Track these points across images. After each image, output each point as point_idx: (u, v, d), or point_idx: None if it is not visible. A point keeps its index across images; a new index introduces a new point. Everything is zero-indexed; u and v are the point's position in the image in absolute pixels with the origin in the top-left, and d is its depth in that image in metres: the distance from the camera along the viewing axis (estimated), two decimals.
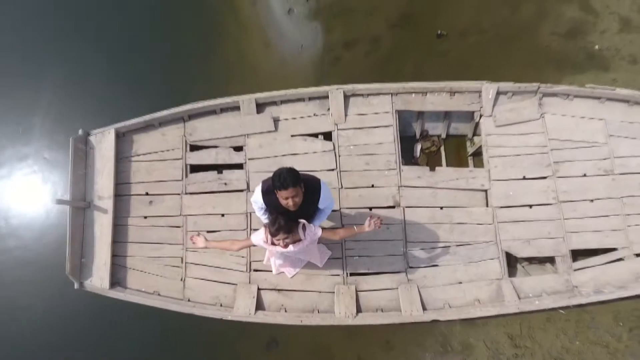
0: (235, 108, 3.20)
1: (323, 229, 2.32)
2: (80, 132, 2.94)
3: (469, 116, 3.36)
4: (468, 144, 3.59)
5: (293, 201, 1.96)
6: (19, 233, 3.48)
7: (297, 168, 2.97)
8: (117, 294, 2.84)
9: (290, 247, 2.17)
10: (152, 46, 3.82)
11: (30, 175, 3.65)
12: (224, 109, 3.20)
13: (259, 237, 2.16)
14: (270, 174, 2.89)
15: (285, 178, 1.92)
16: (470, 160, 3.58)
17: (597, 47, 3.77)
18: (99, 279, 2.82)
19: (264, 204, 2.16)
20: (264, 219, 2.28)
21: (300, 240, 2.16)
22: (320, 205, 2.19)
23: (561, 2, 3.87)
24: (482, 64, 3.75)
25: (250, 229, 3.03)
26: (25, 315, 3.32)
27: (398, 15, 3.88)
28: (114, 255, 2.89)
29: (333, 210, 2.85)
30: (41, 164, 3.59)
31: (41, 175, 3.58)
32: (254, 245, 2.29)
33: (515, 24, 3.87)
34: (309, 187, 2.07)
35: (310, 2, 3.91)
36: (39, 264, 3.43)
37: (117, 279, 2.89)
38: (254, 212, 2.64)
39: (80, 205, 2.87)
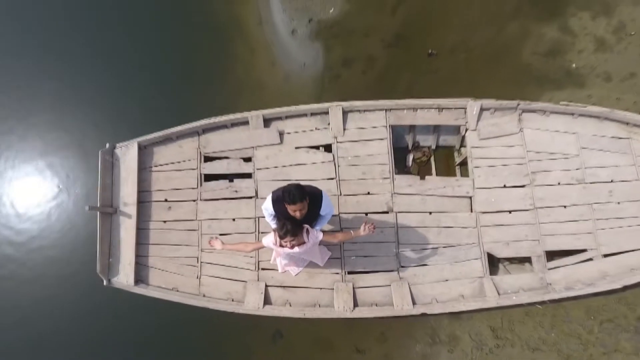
0: (245, 123, 3.54)
1: (324, 232, 2.67)
2: (107, 145, 3.29)
3: (456, 130, 3.70)
4: (456, 154, 3.93)
5: (300, 213, 2.33)
6: (45, 234, 3.83)
7: (300, 177, 3.38)
8: (141, 290, 3.19)
9: (296, 249, 2.52)
10: (167, 66, 4.16)
11: (53, 182, 4.00)
12: (234, 124, 3.55)
13: (269, 239, 2.51)
14: (276, 182, 3.28)
15: (294, 195, 2.28)
16: (457, 169, 3.91)
17: (574, 65, 4.11)
18: (124, 277, 3.18)
19: (273, 212, 2.52)
20: (273, 224, 2.63)
21: (304, 242, 2.51)
22: (322, 212, 2.54)
23: (542, 23, 4.21)
24: (470, 80, 4.09)
25: (259, 232, 3.38)
26: (52, 306, 3.67)
27: (392, 35, 4.22)
28: (137, 256, 3.24)
29: (333, 215, 3.19)
30: (66, 173, 3.94)
31: (66, 182, 3.93)
32: (264, 247, 2.64)
33: (500, 43, 4.21)
34: (313, 197, 2.42)
35: (312, 24, 4.25)
36: (62, 261, 3.77)
37: (140, 276, 3.24)
38: (262, 217, 3.02)
39: (108, 211, 3.22)
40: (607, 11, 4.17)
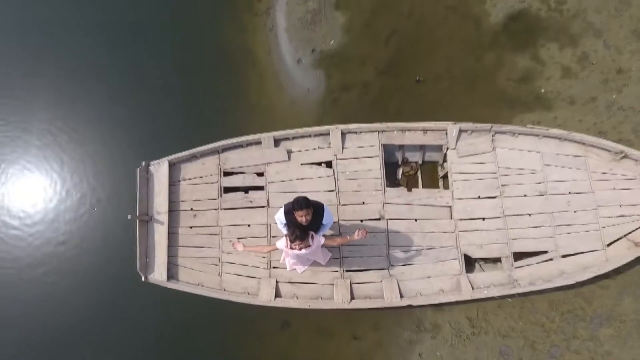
0: (258, 143, 4.14)
1: (325, 237, 3.29)
2: (143, 163, 3.90)
3: (438, 148, 4.30)
4: (439, 168, 4.53)
5: (305, 218, 2.94)
6: (88, 238, 4.45)
7: (305, 189, 4.00)
8: (172, 285, 3.80)
9: (303, 250, 3.12)
10: (188, 92, 4.76)
11: (96, 194, 4.62)
12: (249, 144, 4.15)
13: (282, 243, 3.13)
14: (285, 194, 3.91)
15: (302, 203, 2.90)
16: (440, 182, 4.51)
17: (543, 90, 4.71)
18: (159, 274, 3.79)
19: (285, 221, 3.13)
20: (284, 231, 3.24)
21: (309, 245, 3.11)
22: (324, 221, 3.16)
23: (516, 53, 4.80)
24: (452, 104, 4.68)
25: (270, 236, 3.99)
26: (94, 298, 4.29)
27: (385, 64, 4.82)
28: (169, 256, 3.85)
29: (333, 222, 3.80)
30: (105, 186, 4.56)
31: (105, 194, 4.54)
32: (277, 249, 3.25)
33: (478, 71, 4.79)
34: (316, 209, 3.04)
35: (315, 54, 4.86)
36: (103, 261, 4.39)
37: (171, 273, 3.85)
38: (273, 223, 3.63)
39: (145, 219, 3.83)
40: (572, 43, 4.77)
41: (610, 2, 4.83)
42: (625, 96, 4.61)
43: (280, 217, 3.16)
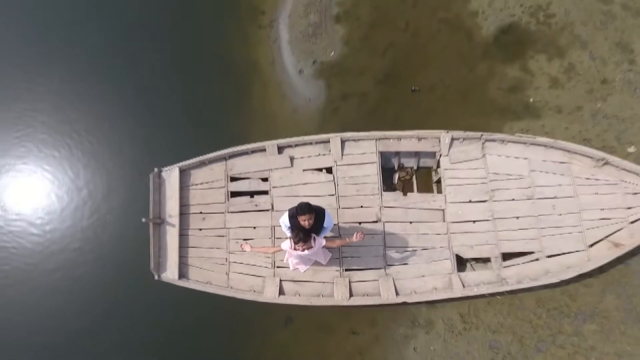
0: (262, 150, 4.41)
1: (326, 239, 3.56)
2: (155, 169, 4.17)
3: (432, 155, 4.56)
4: (433, 173, 4.79)
5: (308, 222, 3.22)
6: (103, 240, 4.73)
7: (307, 193, 4.27)
8: (183, 283, 4.08)
9: (305, 251, 3.39)
10: (196, 101, 5.03)
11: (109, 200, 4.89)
12: (254, 151, 4.42)
13: (286, 244, 3.40)
14: (288, 198, 4.17)
15: (305, 208, 3.18)
16: (434, 186, 4.77)
17: (531, 99, 4.98)
18: (171, 273, 4.07)
19: (289, 224, 3.40)
20: (288, 233, 3.51)
21: (311, 246, 3.38)
22: (325, 225, 3.43)
23: (506, 64, 5.07)
24: (446, 112, 4.95)
25: (274, 238, 4.26)
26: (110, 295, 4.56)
27: (382, 74, 5.09)
28: (180, 256, 4.12)
29: (334, 225, 4.07)
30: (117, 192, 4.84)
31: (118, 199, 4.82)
32: (282, 250, 3.53)
33: (471, 81, 5.05)
34: (318, 213, 3.31)
35: (315, 65, 5.13)
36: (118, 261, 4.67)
37: (182, 272, 4.13)
38: (277, 225, 3.90)
39: (157, 222, 4.10)
40: (560, 54, 5.04)
41: (595, 16, 5.09)
42: (609, 105, 4.87)
43: (284, 220, 3.43)
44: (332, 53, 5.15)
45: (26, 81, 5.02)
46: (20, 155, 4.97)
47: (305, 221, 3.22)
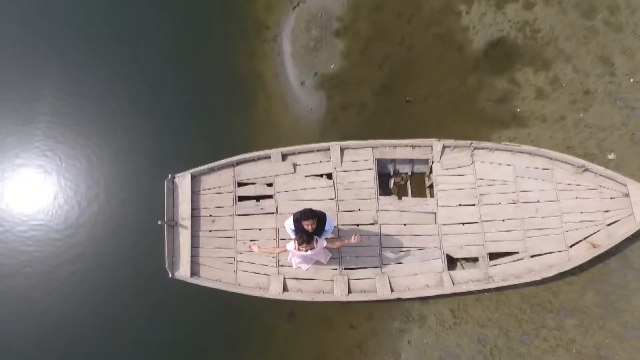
0: (267, 157, 4.74)
1: (327, 240, 3.91)
2: (169, 176, 4.51)
3: (425, 161, 4.90)
4: (426, 179, 5.14)
5: (311, 227, 3.57)
6: (122, 241, 5.08)
7: (309, 197, 4.62)
8: (195, 280, 4.42)
9: (308, 252, 3.74)
10: (204, 111, 5.37)
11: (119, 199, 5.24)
12: (260, 158, 4.76)
13: (291, 245, 3.75)
14: (291, 202, 4.52)
15: (308, 214, 3.53)
16: (427, 191, 5.12)
17: (518, 109, 5.31)
18: (183, 271, 4.41)
19: (293, 227, 3.75)
20: (293, 235, 3.85)
21: (313, 247, 3.73)
22: (326, 228, 3.78)
23: (495, 76, 5.41)
24: (438, 122, 5.29)
25: (278, 239, 4.61)
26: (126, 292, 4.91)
27: (379, 86, 5.43)
28: (192, 256, 4.46)
29: (334, 227, 4.41)
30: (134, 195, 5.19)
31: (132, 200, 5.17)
32: (287, 250, 3.88)
33: (462, 92, 5.39)
34: (320, 218, 3.66)
35: (316, 77, 5.47)
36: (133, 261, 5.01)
37: (194, 271, 4.47)
38: (281, 227, 4.25)
39: (171, 224, 4.45)
40: (545, 67, 5.39)
41: (579, 31, 5.44)
42: (591, 115, 5.22)
43: (289, 224, 3.78)
44: (332, 66, 5.49)
45: (49, 95, 5.37)
46: (41, 164, 5.32)
47: (308, 225, 3.57)
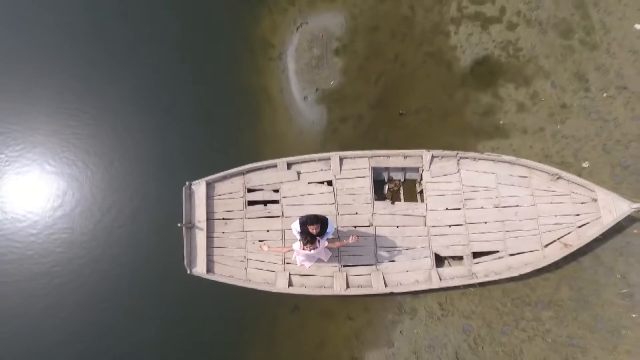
0: (274, 166, 5.27)
1: (328, 241, 4.44)
2: (187, 183, 5.04)
3: (416, 169, 5.42)
4: (417, 185, 5.66)
5: (315, 230, 4.10)
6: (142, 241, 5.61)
7: (311, 202, 5.15)
8: (210, 276, 4.95)
9: (312, 251, 4.28)
10: (216, 123, 5.90)
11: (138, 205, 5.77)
12: (267, 167, 5.29)
13: (297, 245, 4.29)
14: (296, 206, 5.05)
15: (313, 219, 4.08)
16: (418, 196, 5.64)
17: (501, 122, 5.84)
18: (200, 268, 4.94)
19: (299, 229, 4.29)
20: (298, 236, 4.38)
21: (316, 247, 4.27)
22: (328, 230, 4.32)
23: (480, 91, 5.93)
24: (428, 133, 5.81)
25: (284, 239, 5.14)
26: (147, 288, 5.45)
27: (375, 100, 5.96)
28: (207, 255, 5.00)
29: (334, 228, 4.94)
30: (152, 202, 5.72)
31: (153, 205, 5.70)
32: (293, 250, 4.42)
33: (450, 105, 5.91)
34: (323, 222, 4.20)
35: (318, 92, 6.00)
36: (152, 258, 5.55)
37: (209, 268, 5.00)
38: (287, 229, 4.79)
39: (189, 226, 4.98)
40: (526, 83, 5.91)
41: (557, 50, 5.97)
42: (568, 127, 5.75)
43: (295, 226, 4.33)
44: (332, 82, 6.02)
45: (74, 109, 5.91)
46: (70, 173, 5.85)
47: (312, 229, 4.11)
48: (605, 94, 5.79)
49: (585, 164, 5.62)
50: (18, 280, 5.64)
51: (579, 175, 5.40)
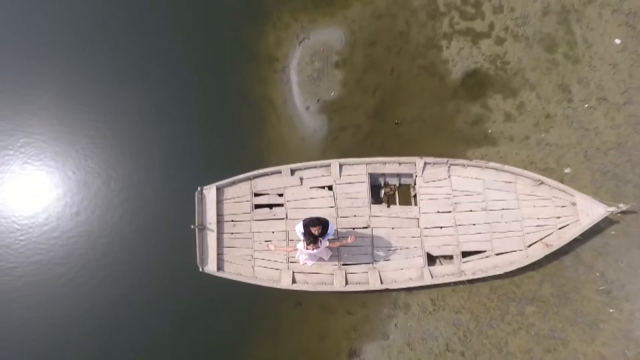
0: (279, 172, 5.70)
1: (329, 241, 4.88)
2: (199, 188, 5.48)
3: (410, 175, 5.86)
4: (411, 189, 6.08)
5: (317, 231, 4.54)
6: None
7: (313, 206, 5.60)
8: (220, 274, 5.39)
9: (314, 250, 4.71)
10: (225, 132, 6.34)
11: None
12: (272, 173, 5.72)
13: (300, 245, 4.73)
14: (299, 209, 5.48)
15: (315, 222, 4.53)
16: (412, 199, 6.08)
17: (490, 131, 6.26)
18: (211, 266, 5.38)
19: (303, 230, 4.73)
20: (301, 237, 4.82)
21: (318, 247, 4.70)
22: (328, 232, 4.76)
23: (470, 102, 6.35)
24: (422, 141, 6.23)
25: (288, 240, 5.57)
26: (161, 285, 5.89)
27: (372, 110, 6.38)
28: (218, 254, 5.43)
29: (334, 230, 5.37)
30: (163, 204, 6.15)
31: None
32: (297, 249, 4.86)
33: (442, 115, 6.32)
34: (324, 224, 4.64)
35: (319, 102, 6.44)
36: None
37: (220, 266, 5.44)
38: (291, 230, 5.24)
39: (201, 228, 5.42)
40: (513, 94, 6.33)
41: (542, 63, 6.40)
42: (551, 135, 6.17)
43: (299, 228, 4.78)
44: (333, 93, 6.46)
45: (93, 119, 6.37)
46: (89, 181, 6.30)
47: (315, 230, 4.55)
48: (586, 105, 6.21)
49: (567, 170, 6.05)
50: (44, 279, 6.07)
51: (562, 180, 5.85)
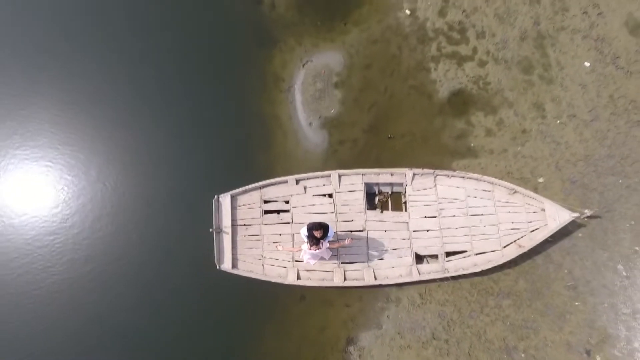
0: (285, 182, 6.48)
1: (329, 242, 5.67)
2: (216, 196, 6.27)
3: (401, 184, 6.64)
4: (402, 197, 6.87)
5: (319, 234, 5.33)
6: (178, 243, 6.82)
7: (315, 211, 6.38)
8: (234, 271, 6.17)
9: (316, 251, 5.50)
10: (236, 146, 7.12)
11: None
12: (279, 182, 6.50)
13: (305, 246, 5.52)
14: (303, 214, 6.26)
15: (317, 226, 5.31)
16: (403, 206, 6.85)
17: (472, 144, 7.02)
18: (227, 264, 6.17)
19: (307, 233, 5.52)
20: (305, 239, 5.60)
21: (320, 248, 5.49)
22: (329, 234, 5.54)
23: (455, 119, 7.11)
24: (412, 154, 6.99)
25: (294, 241, 6.36)
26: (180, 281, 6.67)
27: (367, 126, 7.16)
28: (232, 254, 6.22)
29: (334, 233, 6.15)
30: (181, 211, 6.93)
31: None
32: (302, 250, 5.65)
33: (430, 130, 7.08)
34: (325, 228, 5.42)
35: (321, 119, 7.22)
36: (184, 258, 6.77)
37: (234, 264, 6.22)
38: (296, 233, 6.02)
39: (218, 231, 6.21)
40: (493, 112, 7.09)
41: (519, 83, 7.15)
42: (527, 148, 6.91)
43: (304, 231, 5.57)
44: (333, 111, 7.24)
45: (110, 131, 7.15)
46: (112, 187, 7.09)
47: (317, 234, 5.34)
48: (558, 121, 6.97)
49: (541, 180, 6.82)
50: (70, 278, 6.84)
51: (536, 189, 6.62)
